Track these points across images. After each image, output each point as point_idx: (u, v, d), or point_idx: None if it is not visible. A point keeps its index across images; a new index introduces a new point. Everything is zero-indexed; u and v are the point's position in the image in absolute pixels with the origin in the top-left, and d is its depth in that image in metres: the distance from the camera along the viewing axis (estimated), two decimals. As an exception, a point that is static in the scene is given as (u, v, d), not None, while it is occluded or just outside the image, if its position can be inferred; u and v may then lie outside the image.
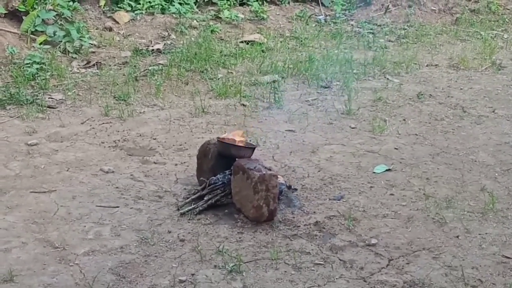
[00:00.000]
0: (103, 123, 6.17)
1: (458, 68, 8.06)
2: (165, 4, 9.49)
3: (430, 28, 9.88)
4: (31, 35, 7.85)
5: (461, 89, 7.31)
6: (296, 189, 4.82)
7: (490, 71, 7.97)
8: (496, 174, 5.18)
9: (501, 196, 4.80)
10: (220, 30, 9.21)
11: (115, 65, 7.77)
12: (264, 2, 10.41)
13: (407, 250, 4.13)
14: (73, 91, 6.90)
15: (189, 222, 4.40)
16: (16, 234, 4.19)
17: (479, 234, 4.31)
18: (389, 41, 9.41)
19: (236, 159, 4.61)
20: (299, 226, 4.40)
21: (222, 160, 4.74)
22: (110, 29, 8.74)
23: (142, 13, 9.22)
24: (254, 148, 4.78)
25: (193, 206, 4.54)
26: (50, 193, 4.76)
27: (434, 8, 10.82)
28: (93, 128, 6.06)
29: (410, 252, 4.11)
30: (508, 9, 11.05)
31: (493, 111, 6.60)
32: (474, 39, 9.49)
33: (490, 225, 4.43)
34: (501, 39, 9.45)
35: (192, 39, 8.67)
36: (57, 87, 6.99)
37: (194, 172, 5.00)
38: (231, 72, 7.70)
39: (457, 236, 4.28)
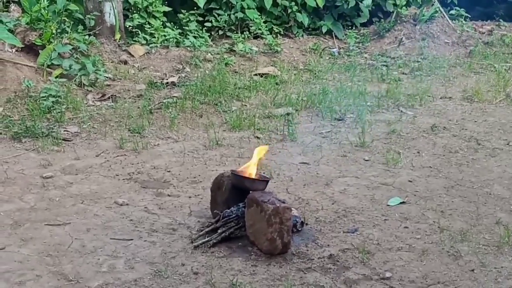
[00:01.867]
0: (118, 156, 6.20)
1: (472, 101, 8.06)
2: (180, 38, 9.59)
3: (443, 61, 9.90)
4: (47, 69, 7.94)
5: (475, 121, 7.30)
6: (307, 224, 4.81)
7: (504, 103, 7.97)
8: (511, 207, 5.14)
9: (517, 229, 4.77)
10: (234, 63, 9.28)
11: (130, 98, 7.84)
12: (278, 35, 10.50)
13: (422, 284, 4.09)
14: (88, 123, 6.95)
15: (202, 255, 4.39)
16: (31, 267, 4.20)
17: (495, 267, 4.27)
18: (403, 73, 9.44)
19: (250, 191, 4.62)
20: (313, 259, 4.38)
21: (236, 193, 4.74)
22: (125, 62, 8.83)
23: (157, 46, 9.32)
24: (268, 181, 4.78)
25: (207, 239, 4.53)
26: (64, 225, 4.77)
27: (447, 41, 10.86)
28: (107, 160, 6.09)
29: (425, 285, 4.07)
30: (522, 42, 11.07)
31: (508, 144, 6.57)
32: (488, 71, 9.51)
33: (506, 259, 4.38)
34: (515, 72, 9.46)
35: (207, 72, 8.74)
36: (72, 120, 7.05)
37: (208, 204, 5.00)
38: (245, 105, 7.74)
39: (473, 270, 4.24)
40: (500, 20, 12.22)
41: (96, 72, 8.09)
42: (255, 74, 8.97)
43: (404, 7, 11.37)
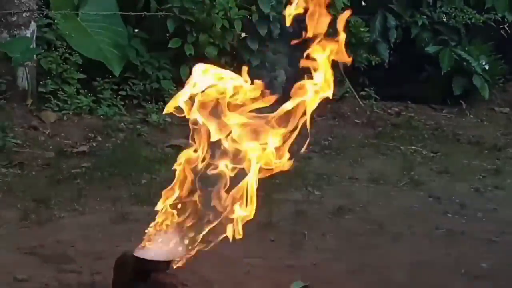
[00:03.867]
0: (21, 228, 6.07)
1: (378, 183, 8.26)
2: (94, 105, 9.54)
3: (352, 141, 10.15)
4: (-47, 133, 7.78)
5: (379, 204, 7.47)
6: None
7: (408, 187, 8.20)
8: (410, 295, 5.28)
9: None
10: (147, 133, 9.28)
11: (38, 166, 7.72)
12: (192, 107, 10.57)
13: None
14: (-8, 192, 6.81)
15: (101, 339, 4.33)
16: None
17: None
18: (313, 151, 9.61)
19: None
20: None
21: (139, 272, 4.69)
22: (36, 128, 8.71)
23: (69, 113, 9.23)
24: (170, 262, 4.75)
25: (106, 321, 4.46)
26: (-41, 303, 4.63)
27: (357, 121, 11.17)
28: (10, 232, 5.95)
29: None
30: (428, 125, 11.48)
31: (409, 229, 6.74)
32: (394, 153, 9.78)
33: None
34: (420, 155, 9.77)
35: (118, 142, 8.70)
36: (-24, 187, 6.90)
37: (111, 283, 4.92)
38: (155, 178, 7.72)
39: None
40: (409, 102, 12.64)
41: (4, 138, 7.96)
42: (168, 146, 8.98)
43: (316, 86, 11.63)
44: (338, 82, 11.63)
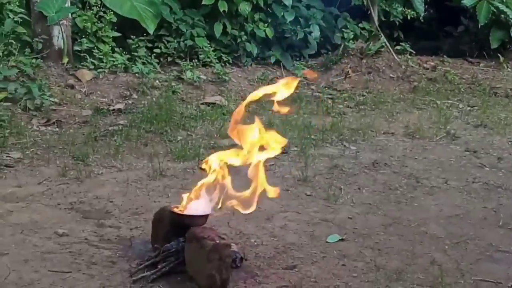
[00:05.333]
0: (60, 184, 6.17)
1: (414, 137, 8.23)
2: (129, 63, 9.60)
3: (388, 95, 10.10)
4: (-8, 92, 7.89)
5: (415, 158, 7.46)
6: (246, 259, 4.85)
7: (444, 141, 8.15)
8: (446, 247, 5.26)
9: (450, 269, 4.87)
10: (181, 91, 9.32)
11: (75, 123, 7.82)
12: (227, 64, 10.59)
13: (356, 323, 4.17)
14: (32, 149, 6.90)
15: (140, 290, 4.41)
16: (-35, 299, 4.17)
17: (427, 308, 4.38)
18: (348, 107, 9.60)
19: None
20: (251, 296, 4.43)
21: (177, 227, 4.77)
22: (72, 87, 8.80)
23: (105, 71, 9.30)
24: (207, 216, 4.81)
25: (146, 273, 4.54)
26: (2, 256, 4.72)
27: (392, 76, 11.09)
28: (49, 189, 6.05)
29: (359, 325, 4.16)
30: (464, 79, 11.37)
31: (446, 182, 6.72)
32: (430, 107, 9.73)
33: (438, 299, 4.50)
34: (456, 109, 9.70)
35: (154, 99, 8.76)
36: (15, 145, 6.99)
37: (149, 237, 5.01)
38: (191, 135, 7.78)
39: (405, 310, 4.34)
40: (444, 56, 12.52)
41: (41, 97, 8.05)
42: (202, 103, 9.03)
43: (351, 41, 11.58)
44: (373, 37, 11.57)
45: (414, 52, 12.14)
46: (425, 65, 11.91)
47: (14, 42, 8.63)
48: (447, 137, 8.25)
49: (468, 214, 5.91)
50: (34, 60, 8.56)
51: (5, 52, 8.35)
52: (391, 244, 5.28)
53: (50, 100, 8.17)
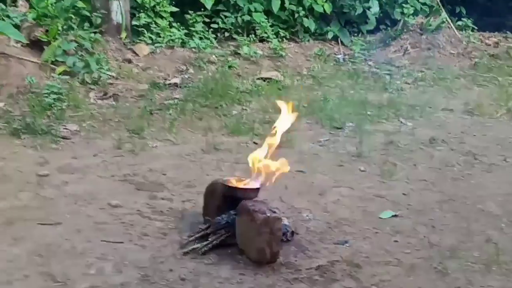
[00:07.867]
0: (115, 156, 6.23)
1: (473, 114, 8.07)
2: (186, 38, 9.62)
3: (447, 72, 9.91)
4: (51, 65, 7.98)
5: (474, 135, 7.31)
6: (297, 233, 4.83)
7: (505, 118, 7.97)
8: (503, 225, 5.14)
9: (506, 248, 4.75)
10: (238, 66, 9.31)
11: (131, 97, 7.88)
12: (284, 39, 10.52)
13: (407, 300, 4.11)
14: (88, 122, 6.99)
15: (191, 261, 4.40)
16: (20, 267, 4.22)
17: (481, 286, 4.27)
18: (406, 83, 9.45)
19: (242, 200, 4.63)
20: (301, 270, 4.39)
21: (228, 200, 4.76)
22: (129, 61, 8.87)
23: (162, 46, 9.35)
24: (259, 189, 4.79)
25: (196, 246, 4.55)
26: (56, 225, 4.79)
27: (453, 52, 10.87)
28: (104, 161, 6.11)
29: (410, 302, 4.09)
30: (528, 55, 11.08)
31: (505, 160, 6.57)
32: (491, 84, 9.52)
33: (493, 278, 4.38)
34: (519, 86, 9.47)
35: (210, 74, 8.76)
36: (72, 117, 7.09)
37: (201, 210, 5.01)
38: (246, 109, 7.76)
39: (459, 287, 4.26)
40: (508, 32, 12.21)
41: (99, 70, 8.13)
42: (258, 78, 9.00)
43: (411, 16, 11.38)
44: (434, 12, 11.34)
45: (476, 28, 11.87)
46: (487, 41, 11.65)
47: (74, 17, 8.71)
48: (508, 114, 8.07)
49: (527, 193, 5.77)
50: (92, 35, 8.63)
51: (65, 27, 8.43)
52: (446, 221, 5.18)
53: (108, 74, 8.25)
